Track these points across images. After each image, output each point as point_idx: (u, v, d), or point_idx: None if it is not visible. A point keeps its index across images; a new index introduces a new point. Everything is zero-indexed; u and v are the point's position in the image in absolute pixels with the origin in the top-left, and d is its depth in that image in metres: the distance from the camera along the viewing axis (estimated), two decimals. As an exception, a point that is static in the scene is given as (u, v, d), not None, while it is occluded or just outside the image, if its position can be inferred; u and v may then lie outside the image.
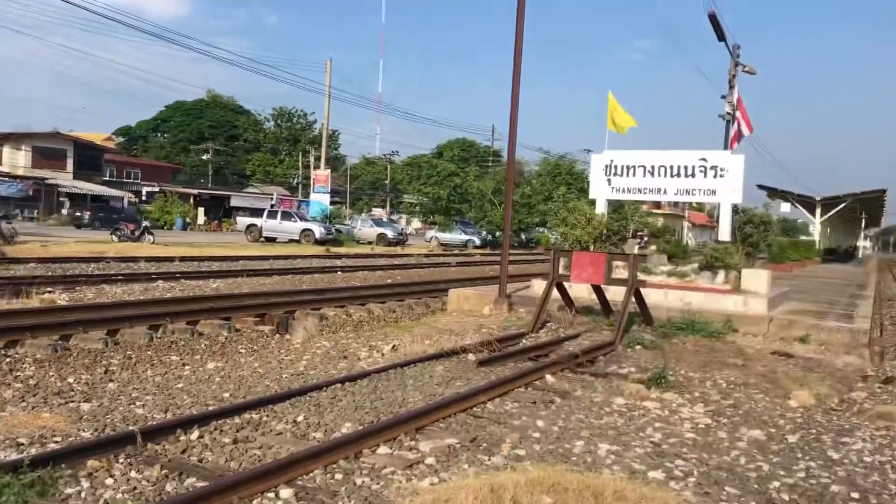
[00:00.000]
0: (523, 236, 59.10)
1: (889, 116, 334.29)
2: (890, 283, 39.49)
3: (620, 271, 12.42)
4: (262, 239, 39.97)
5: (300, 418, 6.12)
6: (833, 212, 52.75)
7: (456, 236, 53.41)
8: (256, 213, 49.34)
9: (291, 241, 39.44)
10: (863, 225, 74.91)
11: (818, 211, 52.04)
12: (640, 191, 16.25)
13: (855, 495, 5.14)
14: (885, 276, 44.80)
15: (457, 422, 6.33)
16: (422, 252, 38.34)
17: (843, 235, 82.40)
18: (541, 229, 58.04)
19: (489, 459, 5.41)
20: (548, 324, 12.24)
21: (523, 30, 14.06)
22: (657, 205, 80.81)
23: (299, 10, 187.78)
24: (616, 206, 49.79)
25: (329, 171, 53.35)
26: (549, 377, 8.41)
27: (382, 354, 9.60)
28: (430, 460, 5.25)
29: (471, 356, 9.16)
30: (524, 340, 10.95)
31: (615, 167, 16.18)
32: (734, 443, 6.33)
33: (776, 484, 5.26)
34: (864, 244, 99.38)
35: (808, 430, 6.96)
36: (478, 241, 52.55)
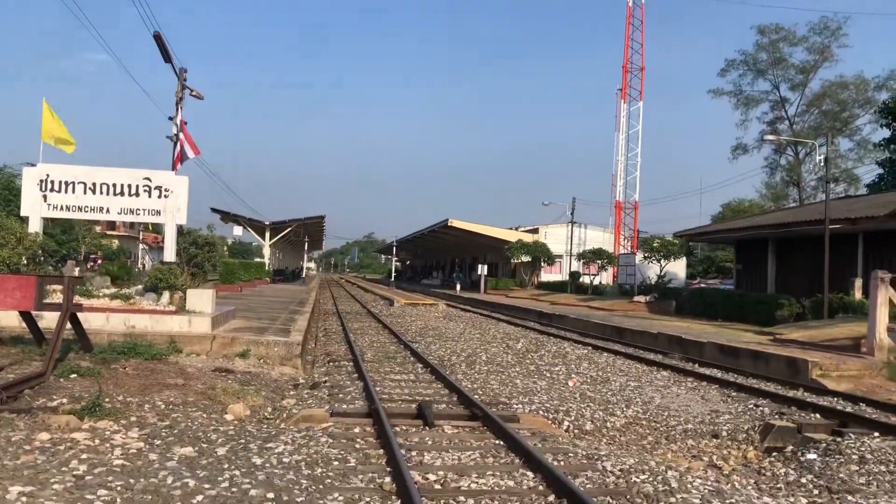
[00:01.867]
0: (-54, 259, 50.49)
1: (325, 151, 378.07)
2: (329, 298, 44.35)
3: (58, 295, 11.43)
4: None
5: None
6: (280, 235, 57.15)
7: None
8: None
9: None
10: (306, 248, 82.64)
11: (268, 234, 55.74)
12: (80, 209, 15.23)
13: (270, 495, 5.52)
14: (323, 294, 50.17)
15: None
16: None
17: (292, 257, 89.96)
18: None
19: None
20: (-37, 359, 10.57)
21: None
22: (112, 225, 77.25)
23: None
24: (66, 227, 45.70)
25: None
26: (-45, 420, 7.22)
27: None
28: None
29: None
30: (-72, 381, 9.23)
31: (52, 182, 14.89)
32: (164, 463, 6.25)
33: (199, 497, 5.34)
34: (309, 265, 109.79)
35: (238, 440, 7.26)
36: None
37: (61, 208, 15.16)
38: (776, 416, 10.53)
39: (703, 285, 50.31)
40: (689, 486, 6.53)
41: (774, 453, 9.20)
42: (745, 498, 6.43)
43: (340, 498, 5.68)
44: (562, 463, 7.23)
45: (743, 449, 9.43)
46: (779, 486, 7.88)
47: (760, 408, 11.36)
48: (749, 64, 58.03)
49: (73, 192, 15.01)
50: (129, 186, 15.10)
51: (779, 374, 14.85)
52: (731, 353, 17.29)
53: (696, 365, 16.38)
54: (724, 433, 9.89)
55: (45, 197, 14.87)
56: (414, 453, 7.38)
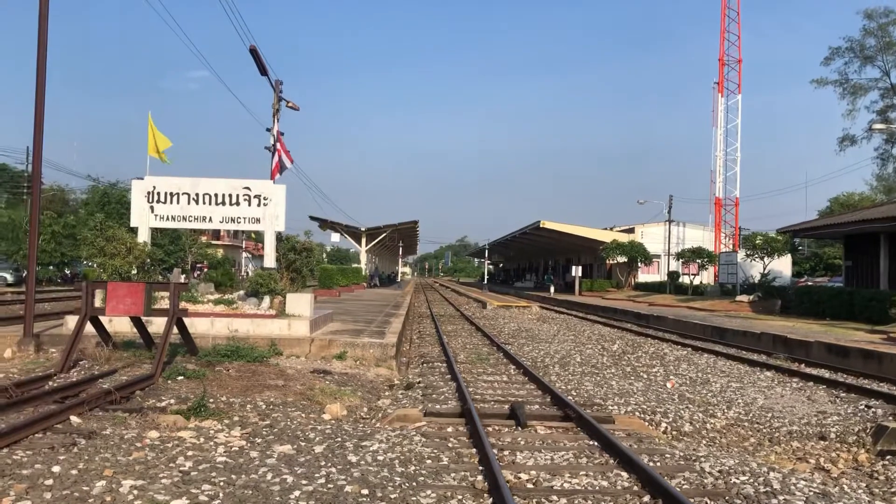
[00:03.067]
0: (67, 271, 53.76)
1: (406, 152, 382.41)
2: (423, 302, 44.79)
3: (165, 301, 12.01)
4: None
5: None
6: (376, 241, 58.09)
7: (-22, 273, 46.34)
8: None
9: None
10: (400, 252, 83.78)
11: (363, 240, 56.75)
12: (185, 218, 15.95)
13: (365, 491, 5.63)
14: (417, 297, 50.71)
15: (-57, 485, 5.39)
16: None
17: (387, 262, 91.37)
18: (89, 263, 53.24)
19: (-17, 519, 4.71)
20: (81, 362, 11.24)
21: (46, 38, 12.83)
22: (217, 235, 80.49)
23: None
24: (174, 237, 47.48)
25: None
26: (74, 418, 7.69)
27: None
28: None
29: (-23, 406, 7.93)
30: (51, 382, 9.88)
31: (158, 194, 15.66)
32: (264, 460, 6.47)
33: (297, 493, 5.50)
34: (404, 269, 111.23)
35: (334, 439, 7.44)
36: (10, 278, 46.33)
37: (167, 218, 15.92)
38: (890, 418, 9.97)
39: (810, 283, 48.11)
40: (792, 487, 6.27)
41: (889, 457, 8.71)
42: (855, 501, 6.13)
43: (433, 495, 5.73)
44: (658, 464, 7.07)
45: (853, 451, 8.97)
46: (893, 490, 7.46)
47: (872, 409, 10.79)
48: (855, 51, 55.05)
49: (178, 202, 15.75)
50: (230, 196, 15.73)
51: (893, 374, 14.05)
52: (840, 352, 16.48)
53: (802, 365, 15.71)
54: (833, 435, 9.45)
55: (152, 208, 15.67)
56: (506, 453, 7.37)
